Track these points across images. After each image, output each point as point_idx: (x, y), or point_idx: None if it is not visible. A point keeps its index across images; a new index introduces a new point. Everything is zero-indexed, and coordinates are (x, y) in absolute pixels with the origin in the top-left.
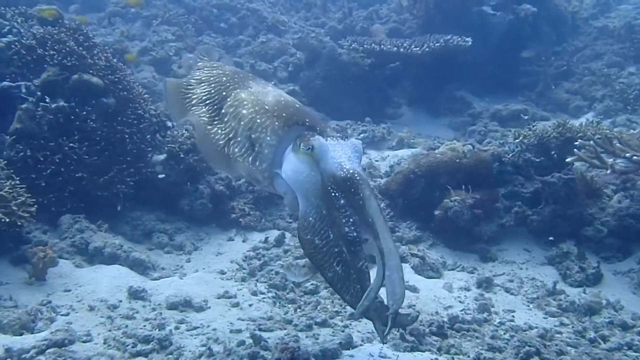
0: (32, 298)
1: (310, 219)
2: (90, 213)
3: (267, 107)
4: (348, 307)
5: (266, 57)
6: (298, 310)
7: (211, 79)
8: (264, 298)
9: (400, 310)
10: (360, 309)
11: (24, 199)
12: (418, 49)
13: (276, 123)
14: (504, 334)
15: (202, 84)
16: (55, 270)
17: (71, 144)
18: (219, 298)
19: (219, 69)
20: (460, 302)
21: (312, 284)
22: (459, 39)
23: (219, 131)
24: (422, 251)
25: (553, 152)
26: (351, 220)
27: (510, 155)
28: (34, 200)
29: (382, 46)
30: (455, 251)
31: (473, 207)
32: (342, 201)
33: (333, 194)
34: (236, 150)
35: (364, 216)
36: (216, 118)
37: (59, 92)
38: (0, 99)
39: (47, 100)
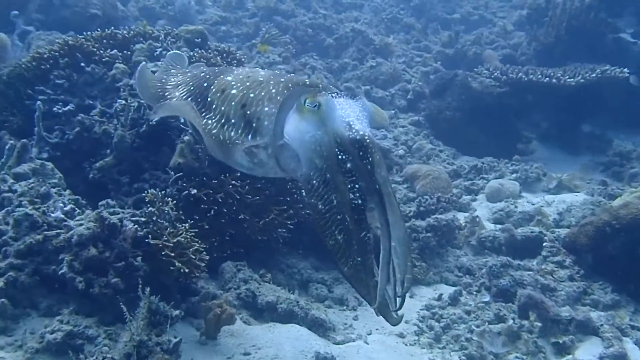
0: None
1: (314, 182)
2: (245, 259)
3: (260, 79)
4: None
5: (377, 83)
6: None
7: (187, 79)
8: None
9: None
10: (378, 304)
11: (197, 245)
12: (572, 80)
13: (272, 90)
14: None
15: (180, 87)
16: (226, 327)
17: (233, 182)
18: None
19: (194, 70)
20: None
21: (516, 357)
22: (618, 69)
23: (209, 121)
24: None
25: None
26: (357, 186)
27: None
28: (204, 246)
29: (530, 76)
30: None
31: None
32: (348, 165)
33: (339, 157)
34: (232, 134)
35: (371, 183)
36: (203, 109)
37: None
38: (158, 129)
39: None
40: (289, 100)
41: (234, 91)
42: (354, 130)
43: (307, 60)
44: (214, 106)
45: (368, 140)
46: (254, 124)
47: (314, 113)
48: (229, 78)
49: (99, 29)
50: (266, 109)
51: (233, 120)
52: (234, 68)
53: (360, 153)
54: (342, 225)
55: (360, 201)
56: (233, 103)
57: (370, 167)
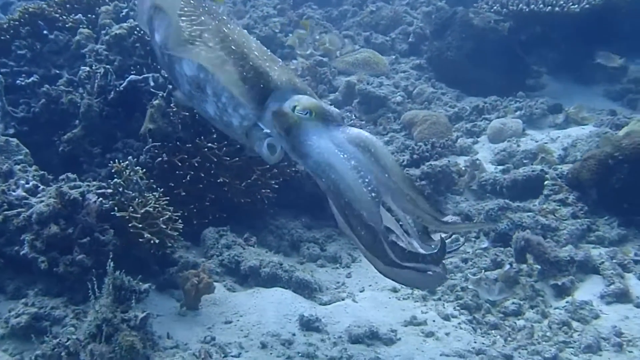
0: (191, 334)
1: (323, 180)
2: (231, 223)
3: (256, 52)
4: (575, 334)
5: (378, 28)
6: (509, 340)
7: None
8: (459, 323)
9: None
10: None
11: (169, 214)
12: (576, 6)
13: (272, 75)
14: None
15: None
16: (208, 296)
17: (210, 144)
18: (406, 326)
19: None
20: None
21: (513, 303)
22: None
23: (202, 53)
24: None
25: None
26: (366, 180)
27: None
28: (178, 214)
29: (531, 6)
30: None
31: None
32: (352, 162)
33: (342, 156)
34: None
35: (379, 173)
36: (197, 39)
37: None
38: (127, 95)
39: None
40: (281, 92)
41: (233, 47)
42: (347, 131)
43: (304, 10)
44: (210, 44)
45: (365, 135)
46: (247, 86)
47: (307, 120)
48: (226, 31)
49: None
50: (261, 85)
51: (228, 68)
52: (222, 18)
53: (360, 147)
54: (361, 220)
55: (374, 194)
56: (232, 57)
57: (374, 158)
